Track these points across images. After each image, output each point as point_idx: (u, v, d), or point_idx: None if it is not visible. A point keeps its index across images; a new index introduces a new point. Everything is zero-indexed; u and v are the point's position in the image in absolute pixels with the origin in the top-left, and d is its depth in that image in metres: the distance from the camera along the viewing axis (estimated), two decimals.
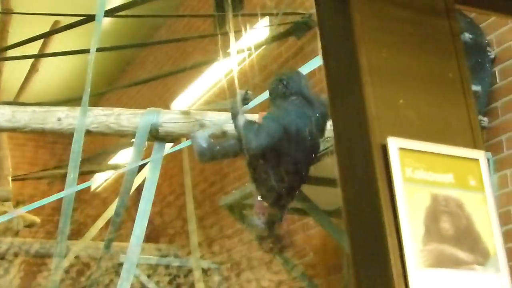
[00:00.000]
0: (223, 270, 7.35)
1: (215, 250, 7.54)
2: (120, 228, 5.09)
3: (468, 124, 1.76)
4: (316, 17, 1.90)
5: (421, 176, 1.69)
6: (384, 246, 1.57)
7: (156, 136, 4.77)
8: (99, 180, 11.45)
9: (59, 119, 4.67)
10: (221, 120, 4.77)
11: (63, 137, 12.58)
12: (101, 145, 11.79)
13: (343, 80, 1.72)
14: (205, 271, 7.30)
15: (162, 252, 7.83)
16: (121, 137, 6.92)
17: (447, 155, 1.72)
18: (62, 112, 4.70)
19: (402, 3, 1.82)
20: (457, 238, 1.68)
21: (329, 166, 4.76)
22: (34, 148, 12.62)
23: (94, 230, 6.71)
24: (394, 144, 1.65)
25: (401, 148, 1.66)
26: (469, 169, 1.76)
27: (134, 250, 4.69)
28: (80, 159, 4.51)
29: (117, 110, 4.80)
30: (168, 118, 4.78)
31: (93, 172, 10.86)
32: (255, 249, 6.62)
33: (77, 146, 4.36)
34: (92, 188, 11.80)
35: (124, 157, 10.34)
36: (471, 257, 1.69)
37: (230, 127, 4.72)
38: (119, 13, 7.66)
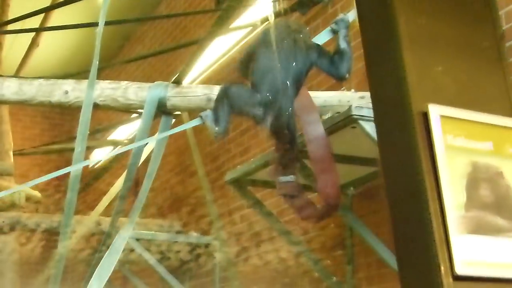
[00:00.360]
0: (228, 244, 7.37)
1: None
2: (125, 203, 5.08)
3: (505, 92, 1.76)
4: None
5: (461, 143, 1.69)
6: (426, 212, 1.57)
7: (164, 110, 4.75)
8: (98, 157, 11.43)
9: (66, 92, 4.64)
10: None
11: (60, 113, 12.64)
12: (98, 120, 11.78)
13: (381, 47, 1.71)
14: (206, 246, 7.33)
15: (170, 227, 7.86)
16: (127, 111, 6.94)
17: (486, 123, 1.72)
18: (69, 85, 4.67)
19: None
20: (497, 206, 1.68)
21: (340, 141, 4.79)
22: (32, 123, 12.61)
23: (101, 205, 6.73)
24: (435, 111, 1.65)
25: (442, 116, 1.66)
26: (508, 137, 1.76)
27: (130, 224, 4.69)
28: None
29: (124, 83, 4.77)
30: (176, 92, 4.75)
31: (92, 148, 10.86)
32: (258, 226, 6.64)
33: (85, 118, 4.32)
34: (90, 165, 11.80)
35: (123, 132, 10.33)
36: (511, 225, 1.69)
37: None
38: None
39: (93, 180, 10.82)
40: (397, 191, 1.67)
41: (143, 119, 4.74)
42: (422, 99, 1.65)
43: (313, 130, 4.47)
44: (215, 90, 4.73)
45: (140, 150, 4.85)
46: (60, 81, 4.73)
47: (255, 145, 7.52)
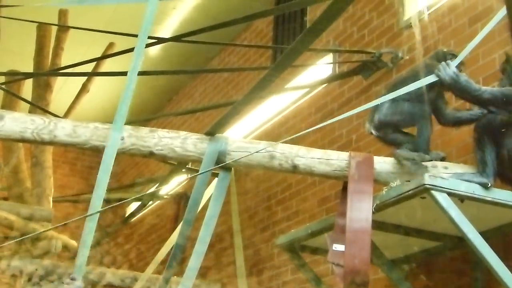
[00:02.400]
0: None
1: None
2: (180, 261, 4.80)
3: None
4: None
5: None
6: None
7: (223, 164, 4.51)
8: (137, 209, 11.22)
9: (122, 138, 4.42)
10: (293, 152, 4.50)
11: (96, 168, 12.50)
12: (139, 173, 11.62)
13: None
14: None
15: None
16: (181, 163, 6.72)
17: None
18: (125, 130, 4.45)
19: None
20: None
21: (395, 212, 4.55)
22: (71, 171, 12.50)
23: (155, 262, 6.50)
24: None
25: None
26: None
27: (187, 284, 4.40)
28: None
29: (183, 133, 4.54)
30: (237, 147, 4.52)
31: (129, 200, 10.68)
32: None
33: (106, 165, 4.03)
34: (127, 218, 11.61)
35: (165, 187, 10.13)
36: None
37: (300, 161, 4.48)
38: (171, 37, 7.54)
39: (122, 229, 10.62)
40: None
41: (201, 172, 4.50)
42: None
43: (359, 200, 4.29)
44: (279, 148, 4.50)
45: (195, 207, 4.58)
46: None
47: (303, 210, 7.27)
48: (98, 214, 4.00)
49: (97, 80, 9.04)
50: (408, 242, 5.05)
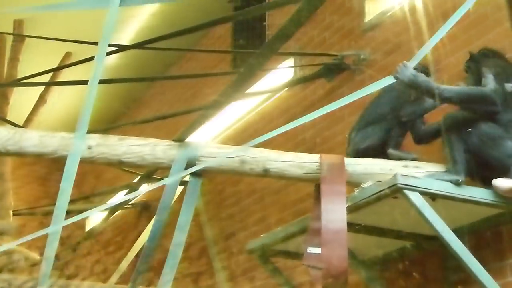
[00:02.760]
0: None
1: None
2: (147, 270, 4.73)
3: None
4: None
5: None
6: None
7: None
8: (94, 220, 11.12)
9: (90, 147, 4.35)
10: (264, 156, 4.47)
11: (56, 174, 12.32)
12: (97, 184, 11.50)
13: None
14: None
15: None
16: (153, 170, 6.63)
17: None
18: (93, 139, 4.38)
19: None
20: None
21: (366, 213, 4.56)
22: (27, 184, 12.32)
23: (118, 272, 6.41)
24: None
25: None
26: None
27: None
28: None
29: (152, 140, 4.49)
30: (208, 152, 4.47)
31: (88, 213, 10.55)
32: None
33: (70, 173, 3.97)
34: (87, 228, 11.50)
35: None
36: None
37: (272, 165, 4.45)
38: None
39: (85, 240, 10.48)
40: None
41: (170, 179, 4.44)
42: None
43: (333, 201, 4.28)
44: (250, 152, 4.47)
45: (163, 215, 4.51)
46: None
47: (268, 216, 7.25)
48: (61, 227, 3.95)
49: (53, 91, 8.92)
50: (379, 242, 5.06)
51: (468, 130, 4.40)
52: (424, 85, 4.37)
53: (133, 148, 4.42)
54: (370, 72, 6.17)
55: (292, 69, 7.22)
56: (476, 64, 4.67)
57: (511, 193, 4.24)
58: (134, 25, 9.25)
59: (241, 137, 7.76)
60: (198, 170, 4.42)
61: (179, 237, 4.37)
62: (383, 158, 4.71)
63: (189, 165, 4.43)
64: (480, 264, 4.20)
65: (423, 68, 4.72)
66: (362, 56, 6.29)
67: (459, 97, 4.38)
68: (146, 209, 9.90)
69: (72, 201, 4.57)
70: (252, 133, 7.75)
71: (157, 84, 10.29)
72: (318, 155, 4.54)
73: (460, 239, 4.20)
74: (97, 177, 11.64)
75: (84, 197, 9.73)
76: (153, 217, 8.27)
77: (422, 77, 4.37)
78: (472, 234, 4.64)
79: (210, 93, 8.57)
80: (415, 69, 4.51)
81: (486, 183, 4.37)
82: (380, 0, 6.34)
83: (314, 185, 4.53)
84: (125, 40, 9.12)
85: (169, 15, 8.91)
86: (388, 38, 6.07)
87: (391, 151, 4.70)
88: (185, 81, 9.44)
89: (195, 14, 8.35)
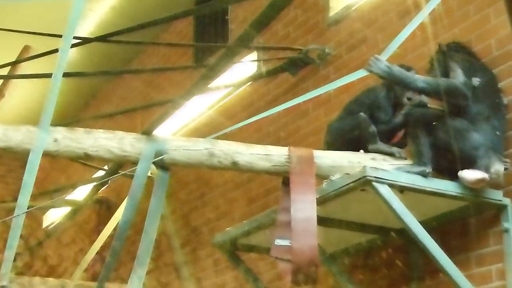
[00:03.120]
0: None
1: None
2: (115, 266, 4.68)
3: None
4: None
5: None
6: None
7: (161, 164, 4.43)
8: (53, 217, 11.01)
9: (56, 140, 4.29)
10: (232, 149, 4.45)
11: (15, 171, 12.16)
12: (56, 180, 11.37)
13: None
14: None
15: None
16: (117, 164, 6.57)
17: None
18: (59, 132, 4.31)
19: None
20: None
21: (333, 206, 4.60)
22: None
23: (80, 269, 6.33)
24: None
25: None
26: None
27: None
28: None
29: (120, 133, 4.43)
30: (175, 145, 4.43)
31: (47, 208, 10.50)
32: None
33: (32, 166, 3.94)
34: (44, 225, 11.38)
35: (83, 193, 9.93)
36: None
37: (240, 158, 4.44)
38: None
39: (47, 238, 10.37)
40: None
41: (138, 174, 4.40)
42: None
43: (302, 191, 4.29)
44: (218, 145, 4.45)
45: (132, 209, 4.45)
46: (50, 128, 4.37)
47: (231, 210, 7.23)
48: (24, 216, 3.92)
49: (13, 84, 8.77)
50: (347, 235, 5.08)
51: (434, 123, 4.44)
52: (399, 75, 4.40)
53: (100, 141, 4.37)
54: (334, 66, 6.19)
55: (256, 63, 7.20)
56: (443, 56, 4.71)
57: (477, 184, 4.29)
58: (93, 18, 9.14)
59: (203, 131, 7.71)
60: (166, 163, 4.40)
61: (149, 232, 4.33)
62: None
63: (157, 158, 4.40)
64: (446, 256, 4.24)
65: (406, 68, 4.76)
66: (326, 51, 6.30)
67: (432, 88, 4.43)
68: (104, 204, 9.82)
69: (33, 196, 4.53)
70: (215, 127, 7.70)
71: (118, 78, 10.19)
72: (287, 148, 4.54)
73: (427, 231, 4.25)
74: (61, 174, 11.52)
75: (44, 193, 9.60)
76: (112, 213, 8.25)
77: (396, 68, 4.40)
78: (439, 226, 4.69)
79: (171, 88, 8.54)
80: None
81: (453, 176, 4.41)
82: None
83: (282, 178, 4.53)
84: (84, 34, 8.98)
85: (129, 9, 8.82)
86: (353, 32, 6.09)
87: (370, 146, 4.69)
88: (146, 76, 9.37)
89: (155, 7, 8.32)
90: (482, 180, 4.25)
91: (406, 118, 4.70)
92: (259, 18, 3.66)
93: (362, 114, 4.75)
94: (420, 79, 4.46)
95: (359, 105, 4.92)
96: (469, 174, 4.27)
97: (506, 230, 4.43)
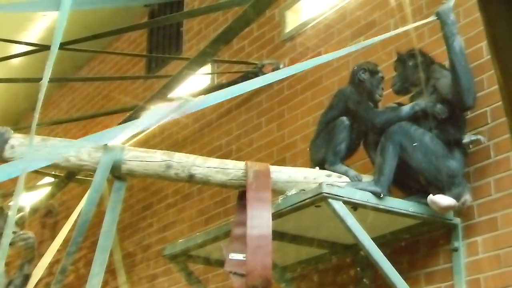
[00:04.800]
0: None
1: None
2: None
3: None
4: None
5: None
6: None
7: (117, 174, 4.42)
8: None
9: (13, 147, 4.26)
10: (189, 162, 4.47)
11: None
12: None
13: None
14: None
15: None
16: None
17: None
18: (16, 139, 4.28)
19: None
20: None
21: (290, 222, 4.65)
22: None
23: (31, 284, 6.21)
24: None
25: None
26: None
27: None
28: None
29: (77, 142, 4.43)
30: (133, 156, 4.44)
31: None
32: None
33: None
34: None
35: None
36: None
37: (197, 171, 4.46)
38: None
39: None
40: None
41: (94, 183, 4.38)
42: None
43: (258, 208, 4.32)
44: (176, 157, 4.47)
45: (87, 219, 4.42)
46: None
47: (180, 221, 7.23)
48: None
49: None
50: (299, 250, 5.13)
51: (414, 144, 4.48)
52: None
53: (57, 149, 4.35)
54: (288, 82, 6.25)
55: (209, 75, 7.23)
56: (403, 64, 4.77)
57: (445, 210, 4.38)
58: (44, 23, 9.07)
59: (153, 142, 7.71)
60: (121, 173, 4.40)
61: (105, 242, 4.31)
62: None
63: (114, 168, 4.40)
64: (397, 273, 4.32)
65: (371, 66, 4.85)
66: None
67: (389, 124, 4.53)
68: (51, 213, 9.70)
69: None
70: (165, 138, 7.74)
71: (67, 85, 10.12)
72: (244, 162, 4.57)
73: (379, 248, 4.32)
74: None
75: None
76: (58, 222, 8.16)
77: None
78: (391, 244, 4.77)
79: (122, 97, 8.51)
80: (363, 69, 4.65)
81: (407, 191, 4.50)
82: (301, 12, 6.43)
83: (238, 192, 4.56)
84: (35, 39, 8.93)
85: (80, 17, 8.76)
86: (308, 49, 6.17)
87: (328, 167, 4.72)
88: (96, 84, 9.33)
89: (109, 15, 8.29)
90: (452, 207, 4.35)
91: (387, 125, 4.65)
92: (222, 35, 3.70)
93: (344, 119, 4.78)
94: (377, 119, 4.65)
95: (335, 109, 4.91)
96: (442, 200, 4.33)
97: (456, 249, 4.53)
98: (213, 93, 4.42)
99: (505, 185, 4.40)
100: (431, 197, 4.36)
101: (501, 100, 1.57)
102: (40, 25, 9.10)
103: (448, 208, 4.37)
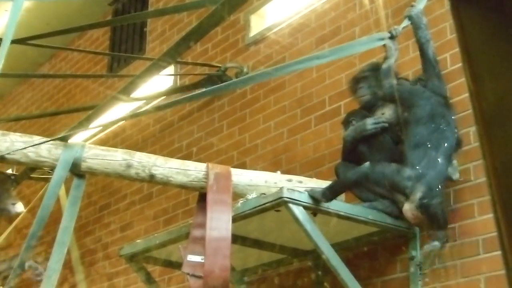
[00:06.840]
0: None
1: None
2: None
3: None
4: None
5: None
6: None
7: (77, 171, 4.38)
8: None
9: None
10: (150, 162, 4.44)
11: None
12: None
13: None
14: None
15: None
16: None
17: None
18: None
19: None
20: None
21: (249, 225, 4.63)
22: None
23: None
24: None
25: None
26: None
27: None
28: None
29: (37, 138, 4.37)
30: (93, 154, 4.40)
31: None
32: None
33: None
34: None
35: None
36: None
37: (158, 171, 4.43)
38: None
39: None
40: None
41: (54, 180, 4.34)
42: None
43: (218, 210, 4.31)
44: (137, 156, 4.44)
45: (45, 215, 4.38)
46: None
47: (138, 222, 7.18)
48: None
49: None
50: (257, 254, 5.13)
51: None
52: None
53: (16, 144, 4.30)
54: (251, 86, 6.25)
55: (172, 77, 7.20)
56: (366, 78, 4.71)
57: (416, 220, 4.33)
58: (4, 19, 8.95)
59: (112, 142, 7.65)
60: (81, 170, 4.36)
61: (63, 237, 4.27)
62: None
63: (74, 165, 4.36)
64: (355, 280, 4.32)
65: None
66: (244, 70, 6.36)
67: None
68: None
69: None
70: (125, 138, 7.69)
71: (27, 81, 10.00)
72: (205, 164, 4.55)
73: (338, 254, 4.32)
74: None
75: None
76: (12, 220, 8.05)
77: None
78: (350, 250, 4.79)
79: (82, 95, 8.44)
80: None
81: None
82: (266, 16, 6.44)
83: (199, 193, 4.54)
84: None
85: (44, 13, 8.69)
86: (272, 54, 6.18)
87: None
88: (57, 81, 9.24)
89: (72, 11, 8.23)
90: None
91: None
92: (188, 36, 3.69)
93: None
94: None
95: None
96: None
97: (412, 258, 4.54)
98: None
99: (465, 196, 4.42)
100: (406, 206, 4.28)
101: (471, 107, 1.59)
102: (2, 20, 8.98)
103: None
